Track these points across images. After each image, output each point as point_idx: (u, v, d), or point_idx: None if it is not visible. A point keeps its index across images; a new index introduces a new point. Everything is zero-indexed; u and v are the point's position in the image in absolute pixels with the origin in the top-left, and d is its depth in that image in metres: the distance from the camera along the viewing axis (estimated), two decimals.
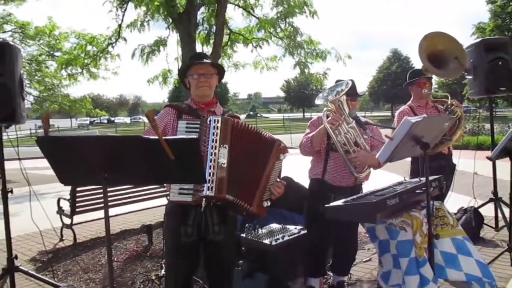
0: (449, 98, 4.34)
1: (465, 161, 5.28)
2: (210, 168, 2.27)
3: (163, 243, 2.83)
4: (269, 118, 60.52)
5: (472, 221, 5.19)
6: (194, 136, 2.35)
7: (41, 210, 4.23)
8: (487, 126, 18.56)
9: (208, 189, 2.28)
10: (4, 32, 13.00)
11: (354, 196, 2.74)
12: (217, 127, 2.34)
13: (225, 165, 2.32)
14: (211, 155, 2.30)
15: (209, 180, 2.26)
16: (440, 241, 2.72)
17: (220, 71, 2.79)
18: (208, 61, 2.70)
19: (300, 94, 68.87)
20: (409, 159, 4.17)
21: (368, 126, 3.36)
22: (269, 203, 2.59)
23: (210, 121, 2.36)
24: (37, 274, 3.94)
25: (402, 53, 56.83)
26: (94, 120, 64.83)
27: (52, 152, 1.77)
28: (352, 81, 3.49)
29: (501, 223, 5.34)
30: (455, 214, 5.45)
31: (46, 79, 12.70)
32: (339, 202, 2.65)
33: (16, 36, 12.98)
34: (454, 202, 5.63)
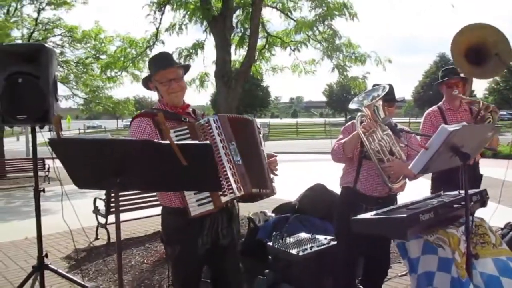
0: (480, 101, 3.97)
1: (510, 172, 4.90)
2: (230, 169, 2.22)
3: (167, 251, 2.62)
4: (310, 123, 59.91)
5: None
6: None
7: (80, 208, 4.31)
8: None
9: (238, 190, 2.23)
10: (54, 35, 13.57)
11: (385, 209, 2.55)
12: (219, 127, 2.27)
13: (240, 162, 2.27)
14: (226, 155, 2.24)
15: (235, 180, 2.21)
16: (480, 261, 2.48)
17: (186, 69, 2.63)
18: (176, 63, 2.52)
19: (342, 99, 67.94)
20: None
21: (404, 134, 3.16)
22: (274, 180, 2.55)
23: (209, 122, 2.27)
24: (64, 273, 3.99)
25: (450, 57, 54.67)
26: None
27: (64, 154, 1.73)
28: (390, 85, 3.31)
29: None
30: (502, 229, 5.08)
31: (92, 81, 13.11)
32: (367, 215, 2.47)
33: (65, 39, 13.52)
34: (501, 216, 5.26)
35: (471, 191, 2.71)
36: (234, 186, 2.20)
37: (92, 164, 1.77)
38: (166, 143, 1.65)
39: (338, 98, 69.26)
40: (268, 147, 2.61)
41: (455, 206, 2.45)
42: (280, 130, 44.54)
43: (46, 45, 3.67)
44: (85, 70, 13.41)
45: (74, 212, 4.11)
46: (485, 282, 2.47)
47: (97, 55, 12.77)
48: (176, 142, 1.67)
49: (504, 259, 2.56)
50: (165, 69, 2.42)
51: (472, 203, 2.61)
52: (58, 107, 3.65)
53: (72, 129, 46.54)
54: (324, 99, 78.61)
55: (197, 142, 2.07)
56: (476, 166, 4.14)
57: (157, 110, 2.40)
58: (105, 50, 12.41)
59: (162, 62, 2.46)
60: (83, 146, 1.71)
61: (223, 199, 2.21)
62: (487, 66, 4.09)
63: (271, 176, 2.53)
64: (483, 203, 2.79)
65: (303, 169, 14.49)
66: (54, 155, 1.76)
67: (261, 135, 2.55)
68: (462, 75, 4.06)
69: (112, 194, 5.81)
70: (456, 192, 2.80)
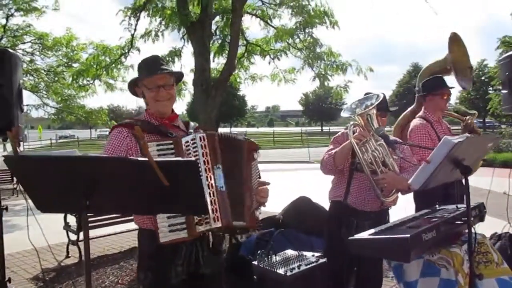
0: (476, 114, 3.98)
1: (494, 180, 4.84)
2: (210, 196, 1.92)
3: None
4: (286, 132, 60.06)
5: (508, 248, 4.73)
6: (171, 158, 1.98)
7: (51, 224, 3.94)
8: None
9: (214, 220, 1.93)
10: (24, 43, 13.08)
11: (382, 227, 2.37)
12: (205, 146, 1.98)
13: (223, 188, 1.97)
14: (207, 179, 1.94)
15: (213, 209, 1.91)
16: (484, 282, 2.32)
17: (179, 77, 2.39)
18: (167, 69, 2.24)
19: (318, 108, 68.52)
20: None
21: (398, 145, 3.00)
22: (261, 211, 2.25)
23: (195, 139, 2.00)
24: None
25: (423, 67, 55.98)
26: None
27: (22, 173, 1.48)
28: (384, 94, 3.16)
29: None
30: (489, 239, 5.00)
31: (63, 90, 12.65)
32: (364, 234, 2.28)
33: (35, 47, 13.05)
34: (485, 226, 5.18)
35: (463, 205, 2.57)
36: (211, 215, 1.92)
37: (56, 184, 1.52)
38: (144, 160, 1.42)
39: (314, 107, 69.78)
40: None
41: (457, 222, 2.29)
42: (257, 139, 44.29)
43: (10, 50, 3.37)
44: (56, 78, 12.94)
45: (41, 230, 3.80)
46: None
47: (69, 63, 12.35)
48: (156, 159, 1.43)
49: (507, 279, 2.41)
50: (154, 74, 2.16)
51: (472, 218, 2.46)
52: (22, 117, 3.36)
53: (43, 139, 45.24)
54: (300, 108, 79.09)
55: (180, 159, 1.80)
56: (460, 181, 4.04)
57: (141, 122, 2.16)
58: (77, 58, 12.02)
59: (152, 66, 2.21)
60: (44, 164, 1.45)
61: (199, 228, 1.95)
62: (462, 78, 4.22)
63: (255, 208, 2.22)
64: (481, 218, 2.65)
65: (280, 178, 14.31)
66: None
67: (255, 159, 2.26)
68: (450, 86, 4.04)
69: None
70: (453, 207, 2.65)
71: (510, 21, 19.71)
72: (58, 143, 48.77)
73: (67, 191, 1.54)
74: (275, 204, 5.12)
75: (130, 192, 1.55)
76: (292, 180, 13.41)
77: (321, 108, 67.68)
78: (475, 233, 2.25)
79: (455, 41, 4.40)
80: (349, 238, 2.33)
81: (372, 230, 2.31)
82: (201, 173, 1.93)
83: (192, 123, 2.37)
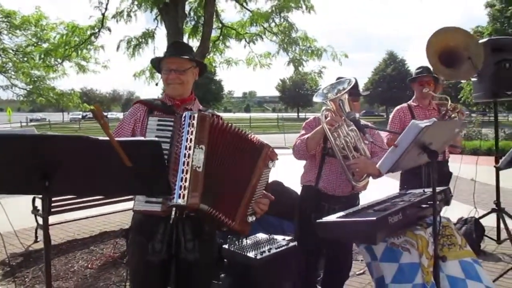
0: (449, 101, 3.99)
1: (462, 167, 4.96)
2: (182, 172, 1.91)
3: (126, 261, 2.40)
4: (263, 117, 60.08)
5: (473, 232, 4.89)
6: (167, 134, 2.05)
7: (19, 208, 3.84)
8: (483, 131, 18.41)
9: (179, 197, 1.90)
10: None
11: (350, 210, 2.39)
12: (193, 124, 1.99)
13: (200, 169, 1.96)
14: (185, 156, 1.94)
15: (181, 186, 1.90)
16: (447, 263, 2.37)
17: (201, 67, 2.45)
18: (185, 56, 2.30)
19: (294, 94, 68.67)
20: None
21: (369, 130, 3.02)
22: (254, 218, 2.21)
23: (184, 117, 2.02)
24: None
25: (398, 55, 56.74)
26: (86, 115, 63.96)
27: None
28: (356, 79, 3.16)
29: (503, 235, 5.03)
30: (455, 224, 5.15)
31: (32, 71, 12.23)
32: (332, 218, 2.29)
33: (3, 25, 12.53)
34: (452, 210, 5.33)
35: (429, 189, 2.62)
36: (177, 192, 1.89)
37: (13, 165, 1.45)
38: (105, 139, 1.37)
39: (291, 93, 69.89)
40: None
41: (423, 206, 2.32)
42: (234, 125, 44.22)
43: None
44: (25, 59, 12.49)
45: (5, 213, 3.70)
46: (452, 285, 2.37)
47: (39, 43, 11.92)
48: (118, 139, 1.39)
49: (470, 261, 2.48)
50: (169, 58, 2.30)
51: (438, 202, 2.51)
52: None
53: (13, 122, 43.92)
54: (277, 94, 79.05)
55: (142, 138, 1.78)
56: (445, 164, 4.16)
57: (156, 100, 2.33)
58: (47, 38, 11.59)
59: (171, 50, 2.38)
60: (1, 143, 1.39)
61: (168, 203, 1.95)
62: (460, 69, 4.17)
63: (249, 213, 2.19)
64: (447, 201, 2.71)
65: None
66: None
67: (268, 168, 2.24)
68: (434, 74, 4.08)
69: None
70: (420, 190, 2.69)
71: (483, 12, 20.08)
72: (29, 126, 47.43)
73: (26, 171, 1.48)
74: None
75: (91, 173, 1.50)
76: None
77: (297, 94, 67.80)
78: (440, 217, 2.29)
79: (445, 33, 4.26)
80: (317, 221, 2.34)
81: (340, 213, 2.33)
82: (180, 150, 1.96)
83: (210, 111, 2.39)
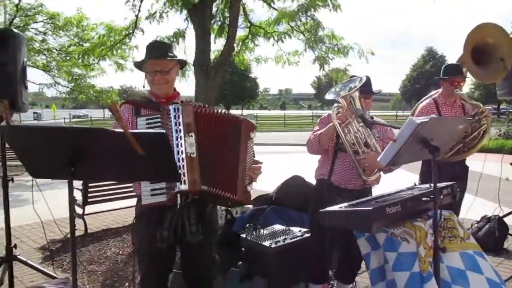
0: (481, 106, 4.03)
1: (496, 165, 4.91)
2: (179, 161, 2.11)
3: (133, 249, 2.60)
4: (297, 115, 59.87)
5: (496, 230, 4.87)
6: (158, 130, 2.20)
7: (60, 198, 4.17)
8: None
9: (182, 183, 2.12)
10: (36, 22, 13.27)
11: (354, 202, 2.53)
12: (179, 116, 2.18)
13: (194, 155, 2.16)
14: (178, 146, 2.14)
15: (181, 173, 2.10)
16: (448, 255, 2.47)
17: (182, 62, 2.58)
18: (167, 55, 2.43)
19: None
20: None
21: (378, 126, 3.13)
22: (252, 187, 2.42)
23: (170, 110, 2.20)
24: (33, 264, 3.91)
25: (438, 51, 55.18)
26: None
27: (15, 142, 1.66)
28: (368, 77, 3.27)
29: None
30: (478, 222, 5.12)
31: (73, 70, 12.86)
32: (335, 208, 2.44)
33: (47, 26, 13.23)
34: (478, 208, 5.30)
35: (441, 184, 2.71)
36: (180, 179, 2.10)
37: (44, 152, 1.70)
38: (120, 131, 1.59)
39: (326, 90, 69.22)
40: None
41: (423, 199, 2.43)
42: (268, 122, 44.47)
43: (14, 29, 3.55)
44: (67, 58, 13.15)
45: (46, 203, 4.05)
46: (452, 276, 2.46)
47: (80, 43, 12.51)
48: (131, 131, 1.60)
49: (471, 253, 2.55)
50: (153, 60, 2.40)
51: (442, 196, 2.60)
52: (27, 94, 3.55)
53: (57, 118, 45.94)
54: (312, 91, 78.63)
55: (151, 131, 2.01)
56: (463, 161, 4.17)
57: (141, 98, 2.46)
58: (88, 38, 12.16)
59: (153, 51, 2.43)
60: (33, 133, 1.64)
61: (172, 192, 2.14)
62: (489, 68, 4.13)
63: (247, 183, 2.38)
64: (453, 196, 2.78)
65: (287, 160, 14.47)
66: None
67: (250, 139, 2.42)
68: (464, 74, 4.08)
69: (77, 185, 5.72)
70: (427, 185, 2.78)
71: None
72: (72, 122, 49.43)
73: (54, 158, 1.72)
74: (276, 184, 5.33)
75: (110, 160, 1.73)
76: (296, 161, 13.56)
77: None
78: (441, 210, 2.39)
79: (485, 28, 4.19)
80: (320, 210, 2.49)
81: (344, 204, 2.47)
82: (172, 141, 2.13)
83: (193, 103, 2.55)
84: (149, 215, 2.29)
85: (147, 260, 2.41)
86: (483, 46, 4.06)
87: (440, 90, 4.20)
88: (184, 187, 2.11)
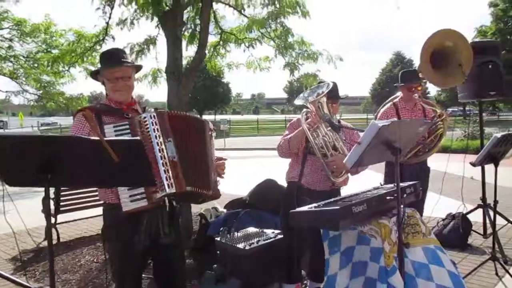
0: (439, 110, 4.25)
1: (461, 165, 5.15)
2: (163, 165, 2.20)
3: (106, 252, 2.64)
4: (270, 119, 60.31)
5: (460, 227, 5.10)
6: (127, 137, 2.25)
7: (32, 208, 4.15)
8: (488, 130, 18.43)
9: (169, 187, 2.20)
10: (2, 29, 12.97)
11: (322, 202, 2.65)
12: (156, 123, 2.26)
13: (176, 159, 2.26)
14: (160, 152, 2.22)
15: (166, 177, 2.19)
16: (411, 250, 2.63)
17: (137, 69, 2.65)
18: (126, 62, 2.47)
19: None
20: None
21: (345, 130, 3.28)
22: (219, 182, 2.59)
23: (146, 118, 2.27)
24: (5, 274, 3.87)
25: (405, 56, 56.71)
26: None
27: None
28: (334, 83, 3.42)
29: (490, 230, 5.22)
30: (443, 220, 5.36)
31: (42, 77, 12.63)
32: (304, 208, 2.56)
33: (14, 33, 12.95)
34: (443, 206, 5.55)
35: (404, 184, 2.86)
36: (165, 183, 2.18)
37: (20, 160, 1.73)
38: (96, 139, 1.65)
39: (298, 95, 70.06)
40: (228, 143, 2.64)
41: (388, 198, 2.57)
42: (241, 127, 44.58)
43: None
44: (35, 65, 12.91)
45: (18, 213, 4.02)
46: (416, 269, 2.62)
47: (48, 50, 12.32)
48: (106, 139, 1.67)
49: (432, 247, 2.72)
50: (113, 68, 2.42)
51: (405, 195, 2.75)
52: None
53: (25, 126, 44.72)
54: (285, 95, 79.30)
55: (127, 138, 2.07)
56: (424, 161, 4.37)
57: (100, 105, 2.45)
58: (56, 44, 11.99)
59: (111, 59, 2.47)
60: (8, 142, 1.67)
61: (156, 195, 2.21)
62: (447, 74, 4.33)
63: (217, 178, 2.55)
64: (416, 195, 2.94)
65: (260, 165, 14.60)
66: None
67: (212, 137, 2.58)
68: (422, 80, 4.27)
69: (66, 189, 5.67)
70: (392, 185, 2.93)
71: (487, 11, 20.15)
72: (40, 131, 48.22)
73: (30, 166, 1.76)
74: (251, 187, 5.42)
75: (85, 167, 1.78)
76: (268, 165, 13.69)
77: None
78: (404, 208, 2.54)
79: (446, 35, 4.37)
80: (291, 211, 2.60)
81: (313, 204, 2.59)
82: (153, 147, 2.20)
83: (148, 108, 2.61)
84: (126, 221, 2.33)
85: (124, 262, 2.45)
86: (442, 51, 4.25)
87: (399, 95, 4.41)
88: (171, 190, 2.20)
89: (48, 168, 1.74)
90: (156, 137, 2.23)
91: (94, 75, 2.55)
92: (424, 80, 4.34)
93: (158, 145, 2.21)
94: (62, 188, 5.65)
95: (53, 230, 5.88)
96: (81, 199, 5.92)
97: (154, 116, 2.28)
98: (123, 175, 1.80)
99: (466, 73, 4.23)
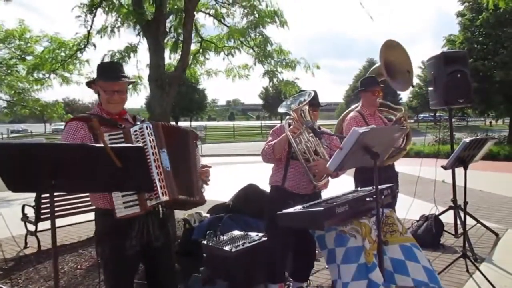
0: (397, 114, 4.46)
1: (433, 169, 5.41)
2: (158, 175, 2.30)
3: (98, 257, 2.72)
4: (246, 125, 60.56)
5: (432, 228, 5.35)
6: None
7: (8, 216, 4.13)
8: (457, 135, 19.14)
9: (163, 195, 2.31)
10: None
11: (307, 204, 2.81)
12: (151, 133, 2.37)
13: (169, 169, 2.37)
14: (155, 161, 2.32)
15: (161, 186, 2.29)
16: (389, 247, 2.82)
17: (132, 83, 2.82)
18: (124, 78, 2.59)
19: (278, 102, 68.87)
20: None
21: (326, 135, 3.45)
22: (205, 188, 2.74)
23: (142, 128, 2.38)
24: None
25: (378, 63, 57.93)
26: None
27: None
28: (315, 91, 3.59)
29: (461, 230, 5.50)
30: (417, 221, 5.61)
31: (16, 83, 12.43)
32: (291, 210, 2.71)
33: None
34: (417, 208, 5.81)
35: (382, 186, 3.06)
36: (159, 191, 2.29)
37: (25, 167, 1.82)
38: (101, 146, 1.76)
39: (274, 101, 70.51)
40: (204, 149, 2.79)
41: (367, 199, 2.75)
42: (217, 133, 44.62)
43: None
44: (9, 71, 12.69)
45: (4, 221, 4.02)
46: (394, 266, 2.81)
47: (23, 56, 12.14)
48: (110, 146, 1.78)
49: (408, 245, 2.92)
50: (112, 82, 2.53)
51: (383, 196, 2.94)
52: None
53: None
54: (260, 102, 79.65)
55: (130, 145, 2.18)
56: (392, 166, 4.57)
57: (93, 115, 2.50)
58: (31, 51, 11.84)
59: (112, 74, 2.56)
60: (18, 150, 1.76)
61: (149, 203, 2.32)
62: (399, 80, 4.65)
63: (202, 185, 2.71)
64: (394, 196, 3.14)
65: (238, 171, 14.73)
66: None
67: (197, 147, 2.74)
68: (382, 84, 4.51)
69: (47, 197, 5.65)
70: (370, 188, 3.12)
71: (455, 20, 20.86)
72: (10, 138, 46.94)
73: (35, 173, 1.85)
74: (232, 193, 5.54)
75: (89, 173, 1.88)
76: (247, 171, 13.84)
77: (280, 102, 67.87)
78: (383, 208, 2.73)
79: (390, 47, 4.77)
80: (278, 212, 2.75)
81: (298, 206, 2.74)
82: (149, 157, 2.30)
83: (138, 117, 2.77)
84: (118, 227, 2.42)
85: (116, 266, 2.53)
86: (391, 61, 4.60)
87: (359, 104, 4.58)
88: (166, 198, 2.30)
89: (52, 174, 1.84)
90: (151, 147, 2.33)
91: (89, 83, 2.65)
92: (382, 85, 4.57)
93: (153, 155, 2.32)
94: (42, 196, 5.64)
95: (34, 239, 5.85)
96: (61, 207, 5.89)
97: (150, 127, 2.39)
98: (125, 181, 1.91)
99: (412, 80, 4.57)
